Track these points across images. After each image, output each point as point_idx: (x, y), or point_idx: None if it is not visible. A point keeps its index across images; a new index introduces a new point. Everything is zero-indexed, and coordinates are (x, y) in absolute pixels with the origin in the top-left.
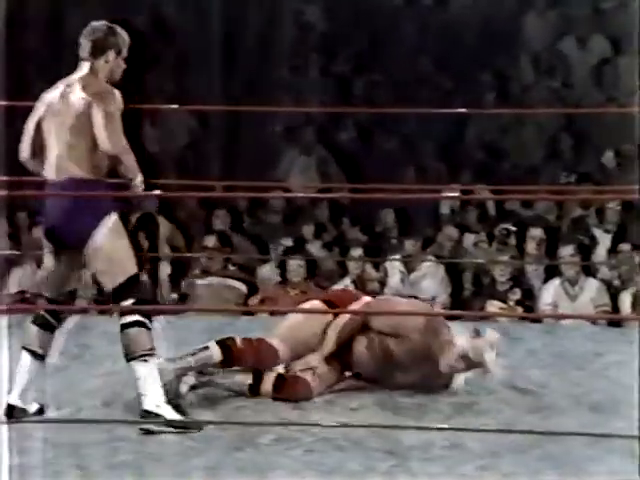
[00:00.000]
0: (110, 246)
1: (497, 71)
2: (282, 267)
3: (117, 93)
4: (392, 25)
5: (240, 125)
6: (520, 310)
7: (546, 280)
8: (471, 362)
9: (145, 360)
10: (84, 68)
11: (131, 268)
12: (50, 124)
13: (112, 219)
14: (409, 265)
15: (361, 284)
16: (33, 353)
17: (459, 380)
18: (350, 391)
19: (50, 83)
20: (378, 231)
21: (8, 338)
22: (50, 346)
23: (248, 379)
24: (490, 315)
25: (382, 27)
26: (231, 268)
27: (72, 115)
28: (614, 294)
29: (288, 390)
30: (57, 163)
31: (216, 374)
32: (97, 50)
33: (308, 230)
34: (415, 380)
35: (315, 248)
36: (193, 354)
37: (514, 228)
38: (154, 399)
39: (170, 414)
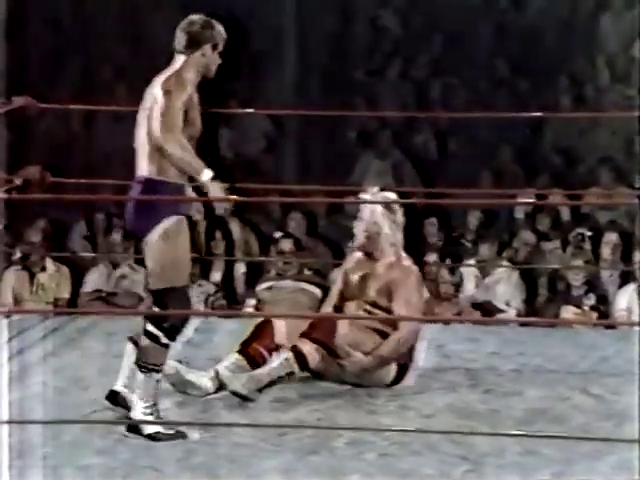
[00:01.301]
0: (161, 249)
1: (573, 74)
2: None
3: (189, 89)
4: (468, 28)
5: (316, 129)
6: (594, 316)
7: (621, 286)
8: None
9: (148, 375)
10: (178, 61)
11: (176, 279)
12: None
13: (171, 222)
14: (484, 270)
15: (435, 288)
16: (136, 343)
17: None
18: (423, 395)
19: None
20: (454, 235)
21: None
22: None
23: (288, 357)
24: (561, 322)
25: (458, 30)
26: (307, 272)
27: (145, 110)
28: None
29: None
30: (136, 160)
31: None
32: (193, 43)
33: None
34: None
35: None
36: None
37: (589, 233)
38: (140, 411)
39: (151, 429)
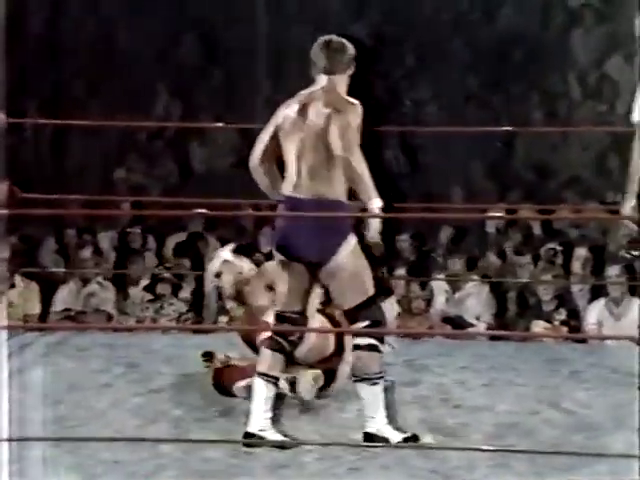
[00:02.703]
0: (353, 266)
1: (545, 90)
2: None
3: (359, 106)
4: (440, 43)
5: None
6: (565, 330)
7: (591, 300)
8: None
9: (374, 383)
10: (323, 82)
11: (370, 289)
12: (289, 139)
13: (354, 240)
14: (454, 284)
15: (407, 303)
16: (267, 377)
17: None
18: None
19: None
20: (425, 249)
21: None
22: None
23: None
24: (533, 336)
25: (429, 45)
26: None
27: (313, 131)
28: None
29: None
30: (298, 181)
31: None
32: (349, 63)
33: None
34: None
35: None
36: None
37: (560, 247)
38: (379, 422)
39: (395, 437)
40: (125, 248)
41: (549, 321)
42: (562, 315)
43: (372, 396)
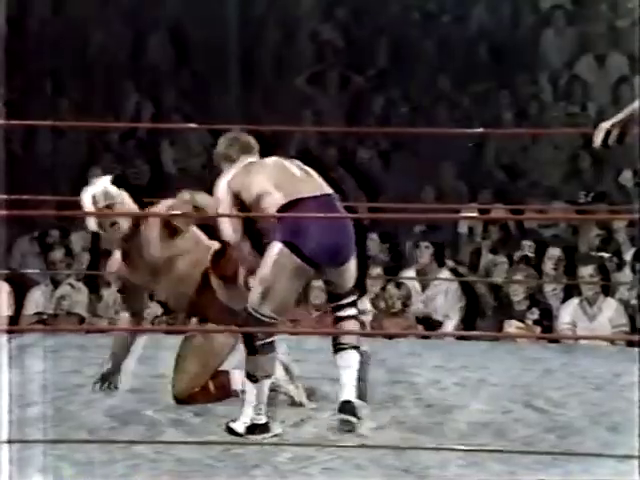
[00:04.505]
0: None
1: (516, 90)
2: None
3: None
4: (410, 43)
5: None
6: (538, 330)
7: (564, 300)
8: None
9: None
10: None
11: None
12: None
13: None
14: (423, 283)
15: (385, 303)
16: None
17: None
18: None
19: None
20: (399, 249)
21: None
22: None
23: None
24: (506, 336)
25: (400, 45)
26: None
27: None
28: (632, 314)
29: None
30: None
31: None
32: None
33: None
34: None
35: None
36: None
37: (532, 255)
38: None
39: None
40: (97, 249)
41: (522, 320)
42: (535, 315)
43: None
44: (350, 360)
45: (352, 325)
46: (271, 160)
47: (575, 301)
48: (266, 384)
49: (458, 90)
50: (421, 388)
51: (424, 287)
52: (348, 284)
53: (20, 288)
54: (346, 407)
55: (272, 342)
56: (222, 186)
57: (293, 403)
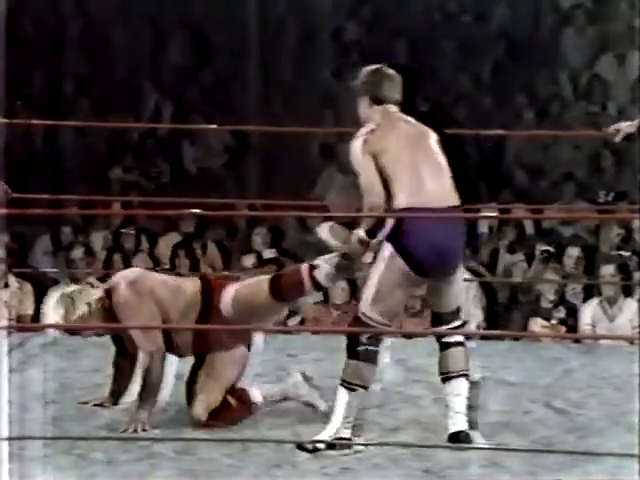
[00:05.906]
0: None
1: (536, 90)
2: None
3: None
4: (430, 43)
5: (279, 143)
6: (563, 329)
7: (585, 300)
8: None
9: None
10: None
11: None
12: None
13: None
14: None
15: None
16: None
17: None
18: (386, 409)
19: None
20: None
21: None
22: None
23: None
24: (525, 335)
25: (420, 45)
26: None
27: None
28: None
29: None
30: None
31: None
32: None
33: None
34: None
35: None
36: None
37: (553, 250)
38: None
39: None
40: (118, 248)
41: (547, 319)
42: (561, 313)
43: (462, 391)
44: (459, 388)
45: (459, 354)
46: (404, 132)
47: (595, 301)
48: (360, 396)
49: (478, 89)
50: (440, 388)
51: None
52: (454, 302)
53: (40, 287)
54: (460, 437)
55: (376, 352)
56: (357, 147)
57: (307, 405)
